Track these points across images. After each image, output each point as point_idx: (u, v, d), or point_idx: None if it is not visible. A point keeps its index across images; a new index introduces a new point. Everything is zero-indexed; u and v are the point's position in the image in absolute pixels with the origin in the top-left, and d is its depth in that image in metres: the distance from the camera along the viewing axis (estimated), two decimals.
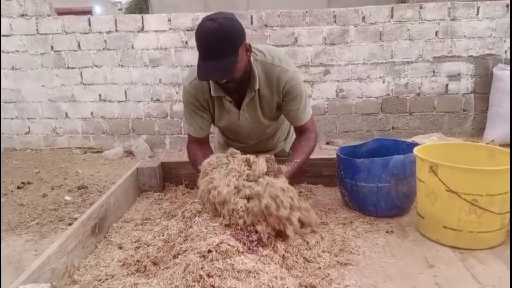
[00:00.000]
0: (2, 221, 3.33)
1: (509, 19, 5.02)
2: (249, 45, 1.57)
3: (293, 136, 2.05)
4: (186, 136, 1.91)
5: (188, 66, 5.22)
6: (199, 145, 1.81)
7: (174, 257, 1.27)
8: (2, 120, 5.55)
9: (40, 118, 5.55)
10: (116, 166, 4.87)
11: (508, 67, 4.94)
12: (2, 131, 5.59)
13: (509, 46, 5.11)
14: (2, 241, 3.03)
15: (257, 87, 1.66)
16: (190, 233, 1.32)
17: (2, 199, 3.79)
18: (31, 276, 1.08)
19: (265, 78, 1.67)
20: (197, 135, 1.81)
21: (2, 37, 5.26)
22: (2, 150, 5.54)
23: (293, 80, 1.68)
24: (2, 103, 5.49)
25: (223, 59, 1.46)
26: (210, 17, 1.49)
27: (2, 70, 5.37)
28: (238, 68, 1.52)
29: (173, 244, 1.31)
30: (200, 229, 1.31)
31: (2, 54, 5.31)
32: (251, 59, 1.63)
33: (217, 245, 1.15)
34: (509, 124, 4.78)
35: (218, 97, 1.72)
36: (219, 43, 1.45)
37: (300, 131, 1.81)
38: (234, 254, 1.14)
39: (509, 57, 5.13)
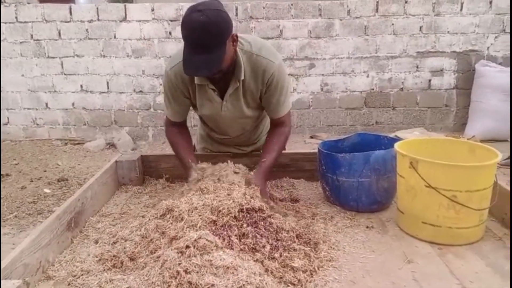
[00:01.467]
0: None
1: (492, 15, 5.07)
2: (236, 36, 1.54)
3: None
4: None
5: (171, 57, 5.14)
6: (178, 128, 1.83)
7: (152, 252, 1.24)
8: None
9: (20, 109, 5.42)
10: (98, 158, 4.80)
11: (491, 64, 5.00)
12: None
13: (492, 42, 5.16)
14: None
15: (242, 77, 1.62)
16: (167, 227, 1.29)
17: None
18: (3, 272, 1.05)
19: (250, 69, 1.64)
20: (175, 119, 1.82)
21: None
22: None
23: (279, 73, 1.66)
24: None
25: (211, 54, 1.43)
26: (197, 7, 1.44)
27: None
28: (225, 60, 1.49)
29: (151, 239, 1.29)
30: (177, 225, 1.29)
31: None
32: (237, 48, 1.60)
33: (195, 240, 1.13)
34: (490, 119, 4.84)
35: (201, 85, 1.67)
36: (207, 37, 1.42)
37: (275, 123, 1.81)
38: (212, 249, 1.12)
39: (491, 53, 5.18)
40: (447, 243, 1.34)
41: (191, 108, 1.84)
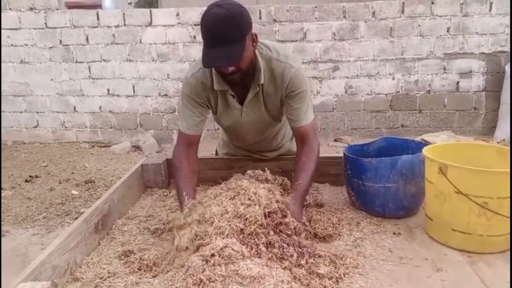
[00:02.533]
0: (9, 214, 3.35)
1: None
2: (255, 35, 1.52)
3: None
4: None
5: (196, 61, 5.19)
6: (187, 151, 1.68)
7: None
8: (12, 113, 5.58)
9: (49, 112, 5.57)
10: (124, 160, 4.88)
11: None
12: (11, 125, 5.62)
13: None
14: (9, 234, 3.05)
15: (261, 81, 1.60)
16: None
17: (10, 193, 3.81)
18: (32, 274, 1.07)
19: (270, 74, 1.62)
20: (189, 133, 1.68)
21: (11, 31, 5.27)
22: (11, 143, 5.58)
23: (298, 77, 1.62)
24: (11, 97, 5.51)
25: (230, 46, 1.41)
26: (217, 3, 1.43)
27: (11, 63, 5.38)
28: (244, 57, 1.47)
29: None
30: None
31: (11, 48, 5.33)
32: (257, 52, 1.58)
33: (221, 249, 1.12)
34: None
35: (221, 92, 1.65)
36: (227, 28, 1.39)
37: (301, 138, 1.68)
38: (238, 259, 1.11)
39: None
40: (477, 251, 1.30)
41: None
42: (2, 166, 4.50)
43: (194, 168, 1.67)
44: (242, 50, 1.44)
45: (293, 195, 1.50)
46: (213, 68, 1.59)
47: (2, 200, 3.59)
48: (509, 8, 4.94)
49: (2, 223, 3.19)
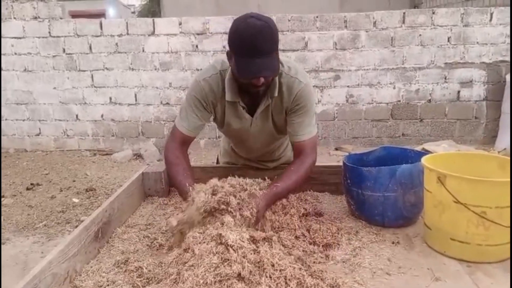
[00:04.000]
0: (10, 222, 3.36)
1: None
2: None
3: None
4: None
5: (198, 70, 5.23)
6: (181, 148, 1.71)
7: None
8: (14, 121, 5.61)
9: (51, 120, 5.60)
10: (125, 169, 4.89)
11: None
12: (13, 132, 5.65)
13: None
14: (10, 242, 3.05)
15: (275, 94, 1.61)
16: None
17: (11, 200, 3.82)
18: (32, 281, 1.07)
19: (279, 87, 1.63)
20: (187, 133, 1.70)
21: (15, 39, 5.32)
22: (13, 151, 5.60)
23: (304, 92, 1.63)
24: (14, 105, 5.55)
25: (269, 57, 1.44)
26: (251, 14, 1.45)
27: (14, 71, 5.42)
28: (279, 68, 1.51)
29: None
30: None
31: (15, 56, 5.37)
32: None
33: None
34: None
35: (231, 102, 1.66)
36: (266, 40, 1.41)
37: (298, 152, 1.68)
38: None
39: None
40: (476, 261, 1.30)
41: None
42: (4, 174, 4.51)
43: (190, 165, 1.71)
44: (278, 62, 1.48)
45: (264, 192, 1.48)
46: (226, 78, 1.61)
47: (3, 208, 3.60)
48: (509, 18, 4.96)
49: (2, 231, 3.19)
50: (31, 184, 4.23)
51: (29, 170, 4.79)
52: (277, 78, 1.60)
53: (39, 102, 5.54)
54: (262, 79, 1.47)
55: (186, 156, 1.71)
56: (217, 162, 2.28)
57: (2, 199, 3.80)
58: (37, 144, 5.68)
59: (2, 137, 5.57)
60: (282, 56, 1.72)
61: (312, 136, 1.68)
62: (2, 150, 5.47)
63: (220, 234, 1.21)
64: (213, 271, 1.10)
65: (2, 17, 5.21)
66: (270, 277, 1.13)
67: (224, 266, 1.11)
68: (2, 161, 4.97)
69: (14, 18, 5.27)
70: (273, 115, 1.71)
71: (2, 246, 2.95)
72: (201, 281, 1.07)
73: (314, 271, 1.22)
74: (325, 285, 1.16)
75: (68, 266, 1.23)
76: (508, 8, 4.96)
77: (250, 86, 1.54)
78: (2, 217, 3.39)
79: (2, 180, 4.25)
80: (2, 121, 5.54)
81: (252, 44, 1.41)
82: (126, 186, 1.76)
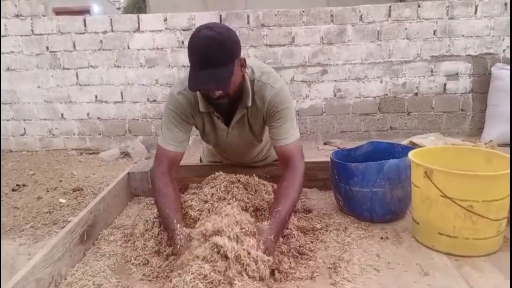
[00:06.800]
0: None
1: (508, 17, 4.99)
2: (244, 60, 1.48)
3: None
4: None
5: (184, 67, 5.19)
6: (169, 174, 1.57)
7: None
8: None
9: (36, 119, 5.51)
10: (112, 167, 4.84)
11: (507, 66, 4.92)
12: None
13: (508, 45, 5.08)
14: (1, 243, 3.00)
15: (249, 104, 1.57)
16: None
17: None
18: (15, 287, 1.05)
19: (252, 95, 1.58)
20: (173, 150, 1.59)
21: None
22: None
23: (278, 96, 1.56)
24: None
25: (219, 69, 1.36)
26: (206, 25, 1.40)
27: None
28: (232, 82, 1.42)
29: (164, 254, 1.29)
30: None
31: None
32: (245, 75, 1.55)
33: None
34: (507, 123, 4.75)
35: (207, 113, 1.62)
36: (216, 51, 1.35)
37: (284, 159, 1.57)
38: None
39: (507, 55, 5.10)
40: (464, 255, 1.31)
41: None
42: None
43: (178, 194, 1.57)
44: (231, 74, 1.40)
45: (270, 222, 1.34)
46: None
47: None
48: (494, 11, 5.00)
49: None
50: (17, 185, 4.16)
51: (15, 171, 4.71)
52: (249, 87, 1.55)
53: (23, 101, 5.44)
54: (217, 92, 1.42)
55: (175, 183, 1.57)
56: (200, 161, 2.27)
57: None
58: (22, 144, 5.59)
59: None
60: (255, 60, 1.69)
61: (296, 139, 1.59)
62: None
63: None
64: None
65: None
66: None
67: None
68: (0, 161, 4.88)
69: (1, 16, 5.17)
70: (250, 124, 1.67)
71: None
72: None
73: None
74: (314, 282, 1.15)
75: (52, 270, 1.21)
76: (493, 1, 4.99)
77: (210, 98, 1.50)
78: None
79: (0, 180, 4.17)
80: None
81: (199, 55, 1.37)
82: (111, 187, 1.74)
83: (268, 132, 1.69)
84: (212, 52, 1.35)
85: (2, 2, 5.11)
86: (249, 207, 1.53)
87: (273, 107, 1.57)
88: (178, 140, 1.60)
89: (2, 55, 5.27)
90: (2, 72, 5.33)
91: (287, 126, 1.58)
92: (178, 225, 1.35)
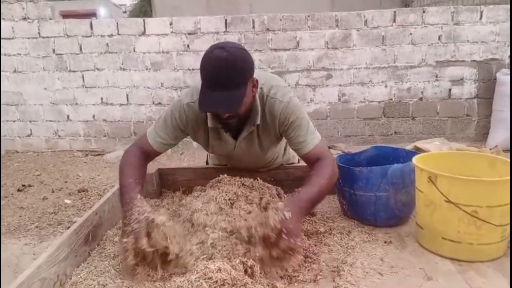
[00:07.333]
0: (2, 224, 3.32)
1: None
2: (256, 81, 1.47)
3: (289, 150, 1.99)
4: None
5: (189, 70, 5.21)
6: (143, 157, 1.60)
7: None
8: (5, 122, 5.55)
9: (42, 121, 5.55)
10: (117, 169, 4.83)
11: None
12: (4, 134, 5.59)
13: None
14: (1, 244, 3.02)
15: (258, 122, 1.57)
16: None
17: (3, 202, 3.78)
18: (20, 287, 1.06)
19: (262, 111, 1.58)
20: (154, 148, 1.62)
21: (4, 40, 5.26)
22: (3, 152, 5.54)
23: (287, 109, 1.55)
24: (4, 106, 5.49)
25: (231, 92, 1.35)
26: (219, 45, 1.38)
27: (4, 72, 5.37)
28: (244, 103, 1.42)
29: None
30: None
31: (5, 57, 5.31)
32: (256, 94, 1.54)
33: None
34: None
35: (214, 128, 1.62)
36: (229, 73, 1.34)
37: (311, 162, 1.55)
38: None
39: None
40: (468, 260, 1.31)
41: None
42: None
43: (146, 171, 1.60)
44: (243, 97, 1.39)
45: (288, 198, 1.32)
46: None
47: None
48: (499, 17, 4.99)
49: None
50: (23, 185, 4.19)
51: (21, 172, 4.74)
52: (259, 105, 1.55)
53: (29, 103, 5.48)
54: (227, 113, 1.43)
55: (144, 161, 1.60)
56: (207, 163, 2.28)
57: None
58: (28, 145, 5.63)
59: None
60: (262, 72, 1.69)
61: (317, 143, 1.56)
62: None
63: None
64: None
65: None
66: None
67: None
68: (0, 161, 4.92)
69: (3, 19, 5.21)
70: (260, 139, 1.67)
71: None
72: None
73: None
74: (318, 285, 1.16)
75: (57, 270, 1.22)
76: (498, 7, 4.99)
77: (219, 117, 1.51)
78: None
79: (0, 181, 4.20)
80: None
81: (211, 75, 1.36)
82: (117, 188, 1.75)
83: (276, 147, 1.71)
84: (225, 74, 1.34)
85: (9, 5, 5.15)
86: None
87: (284, 121, 1.56)
88: (165, 142, 1.63)
89: (9, 57, 5.31)
90: (9, 74, 5.37)
91: (303, 133, 1.55)
92: (139, 195, 1.33)
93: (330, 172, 1.46)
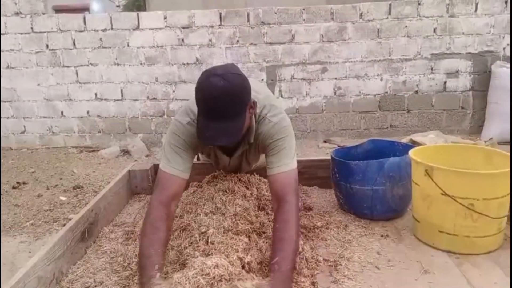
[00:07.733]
0: None
1: (508, 15, 4.99)
2: (254, 103, 1.44)
3: None
4: None
5: (184, 64, 5.18)
6: (168, 205, 1.43)
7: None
8: None
9: (36, 117, 5.50)
10: (112, 165, 4.83)
11: (507, 64, 4.91)
12: None
13: (508, 43, 5.08)
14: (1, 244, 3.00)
15: (251, 140, 1.57)
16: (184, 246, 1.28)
17: None
18: (16, 285, 1.05)
19: (256, 130, 1.57)
20: (179, 175, 1.49)
21: None
22: None
23: (273, 129, 1.52)
24: None
25: (231, 122, 1.32)
26: (215, 71, 1.33)
27: None
28: (243, 129, 1.41)
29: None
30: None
31: None
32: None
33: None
34: (507, 121, 4.75)
35: (210, 147, 1.68)
36: (228, 103, 1.30)
37: (274, 191, 1.46)
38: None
39: (507, 53, 5.09)
40: (464, 252, 1.31)
41: None
42: None
43: (169, 234, 1.43)
44: (243, 125, 1.38)
45: (271, 278, 1.14)
46: None
47: None
48: (494, 9, 4.99)
49: None
50: (17, 182, 4.15)
51: (15, 169, 4.71)
52: (254, 125, 1.54)
53: (23, 99, 5.44)
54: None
55: (170, 220, 1.44)
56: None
57: None
58: (22, 142, 5.59)
59: None
60: (258, 83, 1.69)
61: (290, 170, 1.46)
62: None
63: None
64: None
65: None
66: None
67: None
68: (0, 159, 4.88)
69: (1, 14, 5.15)
70: (250, 153, 1.70)
71: None
72: None
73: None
74: (315, 280, 1.16)
75: (54, 268, 1.21)
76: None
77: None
78: None
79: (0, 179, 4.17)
80: None
81: (210, 107, 1.31)
82: (112, 185, 1.74)
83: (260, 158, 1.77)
84: (224, 105, 1.30)
85: (2, 1, 5.10)
86: (253, 206, 1.53)
87: (267, 139, 1.52)
88: (186, 166, 1.52)
89: (2, 53, 5.26)
90: (2, 70, 5.32)
91: (280, 155, 1.48)
92: (158, 274, 1.18)
93: (295, 223, 1.33)
